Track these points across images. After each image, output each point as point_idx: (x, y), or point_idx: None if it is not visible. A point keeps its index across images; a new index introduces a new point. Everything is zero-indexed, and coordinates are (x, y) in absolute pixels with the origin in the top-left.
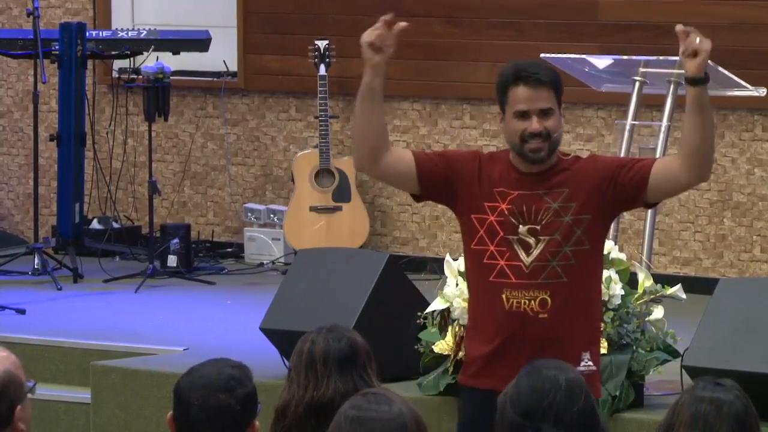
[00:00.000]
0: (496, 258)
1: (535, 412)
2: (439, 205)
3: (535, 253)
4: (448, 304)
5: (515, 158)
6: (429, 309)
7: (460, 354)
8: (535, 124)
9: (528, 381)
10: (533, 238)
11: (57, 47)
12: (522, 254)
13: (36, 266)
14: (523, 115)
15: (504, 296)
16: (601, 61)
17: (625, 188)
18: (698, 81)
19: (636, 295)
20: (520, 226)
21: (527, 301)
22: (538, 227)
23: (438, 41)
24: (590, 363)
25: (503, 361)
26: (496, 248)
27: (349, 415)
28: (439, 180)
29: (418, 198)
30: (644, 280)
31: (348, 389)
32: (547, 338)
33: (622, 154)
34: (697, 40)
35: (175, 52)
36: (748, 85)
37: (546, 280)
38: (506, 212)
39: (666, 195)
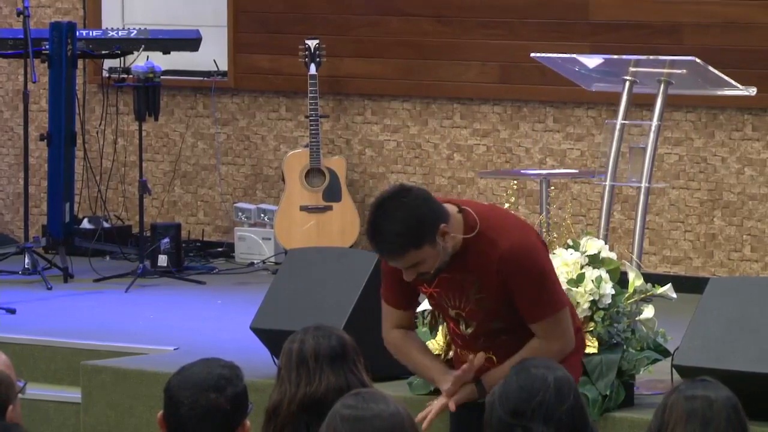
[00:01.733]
0: (447, 320)
1: (524, 411)
2: None
3: (470, 328)
4: None
5: None
6: (420, 308)
7: (450, 353)
8: (406, 275)
9: (517, 380)
10: (465, 320)
11: (47, 47)
12: (462, 326)
13: (26, 266)
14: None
15: (459, 351)
16: (592, 61)
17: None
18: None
19: (626, 295)
20: (449, 309)
21: (481, 359)
22: (464, 313)
23: (428, 40)
24: None
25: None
26: (447, 317)
27: (345, 414)
28: (409, 288)
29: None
30: (634, 280)
31: (341, 384)
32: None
33: (612, 154)
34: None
35: (166, 52)
36: (738, 85)
37: (485, 344)
38: (435, 296)
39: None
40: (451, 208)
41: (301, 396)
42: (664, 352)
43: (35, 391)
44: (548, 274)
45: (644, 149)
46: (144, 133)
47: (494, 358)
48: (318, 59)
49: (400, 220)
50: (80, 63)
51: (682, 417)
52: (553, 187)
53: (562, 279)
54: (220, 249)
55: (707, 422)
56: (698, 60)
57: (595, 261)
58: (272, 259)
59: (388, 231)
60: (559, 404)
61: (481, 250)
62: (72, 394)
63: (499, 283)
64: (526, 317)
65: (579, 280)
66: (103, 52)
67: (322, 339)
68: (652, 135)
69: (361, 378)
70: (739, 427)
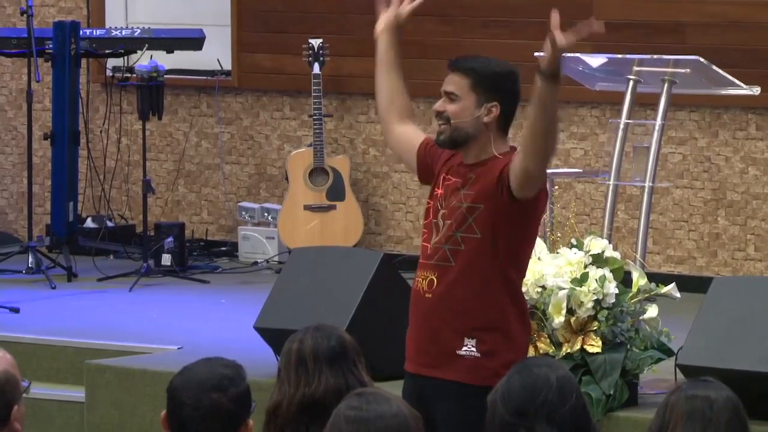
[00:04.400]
0: (423, 238)
1: (527, 411)
2: None
3: (437, 236)
4: None
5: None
6: None
7: None
8: (437, 104)
9: (519, 379)
10: (442, 221)
11: (51, 46)
12: (433, 236)
13: (30, 265)
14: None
15: (416, 275)
16: (595, 60)
17: (506, 182)
18: (546, 75)
19: (630, 294)
20: (440, 210)
21: (421, 280)
22: (446, 211)
23: (432, 40)
24: (473, 349)
25: (411, 341)
26: (425, 229)
27: (350, 415)
28: (427, 169)
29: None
30: (638, 279)
31: (340, 385)
32: (429, 319)
33: (615, 153)
34: (560, 35)
35: (169, 51)
36: (742, 84)
37: (437, 261)
38: (438, 196)
39: (522, 184)
40: (507, 143)
41: (300, 397)
42: (668, 352)
43: (39, 390)
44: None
45: (648, 149)
46: (148, 133)
47: (435, 280)
48: (321, 58)
49: (490, 60)
50: (84, 62)
51: (682, 416)
52: (557, 187)
53: (566, 278)
54: (223, 248)
55: (707, 422)
56: (702, 59)
57: (598, 260)
58: (276, 259)
59: (482, 60)
60: (562, 403)
61: (497, 165)
62: (76, 393)
63: (495, 183)
64: (513, 162)
65: (583, 279)
66: (107, 51)
67: (321, 339)
68: (655, 134)
69: (361, 378)
70: (739, 427)
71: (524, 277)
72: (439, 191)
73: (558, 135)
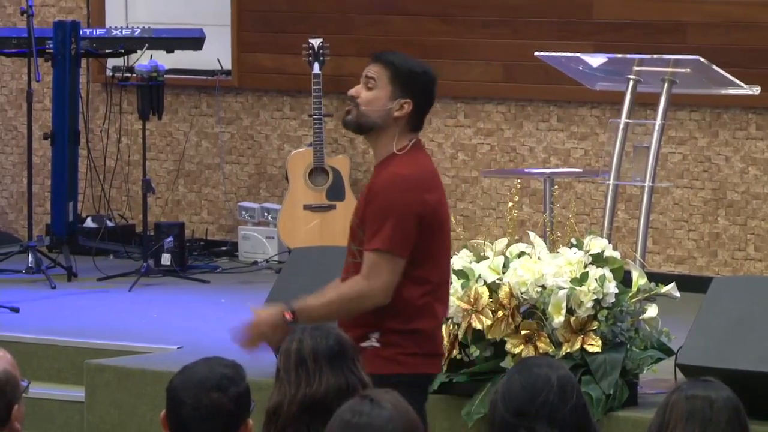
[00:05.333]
0: None
1: (528, 411)
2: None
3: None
4: None
5: None
6: None
7: (455, 352)
8: (353, 88)
9: (519, 379)
10: (350, 233)
11: (51, 46)
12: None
13: (30, 265)
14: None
15: None
16: (595, 60)
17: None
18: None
19: (630, 294)
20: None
21: None
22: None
23: (432, 39)
24: (375, 342)
25: None
26: None
27: (352, 421)
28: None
29: None
30: (638, 279)
31: (340, 384)
32: (346, 324)
33: (616, 153)
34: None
35: (169, 51)
36: (742, 84)
37: (344, 273)
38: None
39: None
40: (416, 138)
41: (301, 397)
42: (668, 352)
43: (39, 390)
44: (399, 213)
45: (648, 148)
46: (148, 132)
47: None
48: (322, 58)
49: (411, 59)
50: (84, 62)
51: (682, 416)
52: (557, 186)
53: (566, 278)
54: (223, 248)
55: (707, 422)
56: (702, 59)
57: (598, 260)
58: (276, 258)
59: (402, 56)
60: (563, 404)
61: (383, 169)
62: (76, 393)
63: (363, 206)
64: (365, 241)
65: (582, 279)
66: (107, 51)
67: (320, 339)
68: (656, 134)
69: (360, 377)
70: (739, 427)
71: (432, 279)
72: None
73: (348, 313)
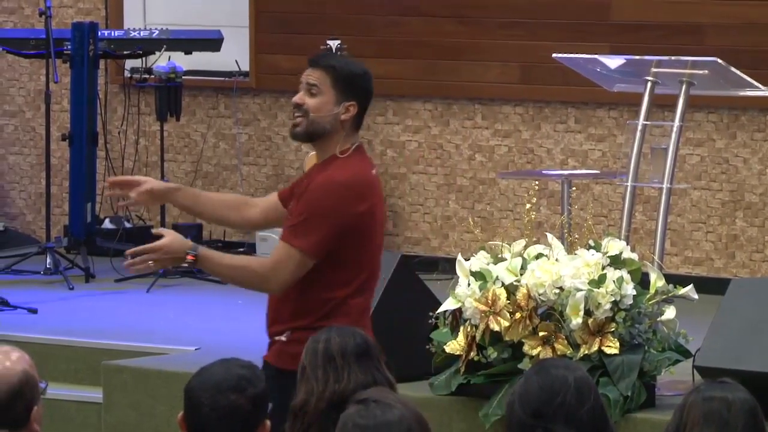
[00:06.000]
0: None
1: (545, 412)
2: (452, 205)
3: None
4: (459, 304)
5: None
6: (441, 309)
7: (472, 354)
8: (296, 96)
9: (537, 380)
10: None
11: (69, 47)
12: None
13: (48, 266)
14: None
15: None
16: (613, 61)
17: None
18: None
19: (648, 296)
20: None
21: None
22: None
23: (449, 41)
24: (284, 337)
25: None
26: None
27: (358, 423)
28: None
29: None
30: (656, 281)
31: (368, 381)
32: (268, 317)
33: (633, 155)
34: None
35: (187, 52)
36: (759, 85)
37: None
38: None
39: None
40: (359, 142)
41: (330, 393)
42: (686, 353)
43: (56, 390)
44: (323, 219)
45: (666, 150)
46: (165, 134)
47: None
48: None
49: (349, 60)
50: (102, 63)
51: (699, 418)
52: (574, 188)
53: (584, 280)
54: (241, 249)
55: (724, 424)
56: (720, 61)
57: (616, 262)
58: None
59: (340, 58)
60: (580, 405)
61: (322, 170)
62: (93, 393)
63: (296, 200)
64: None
65: (600, 280)
66: (125, 52)
67: (347, 337)
68: (673, 136)
69: (386, 375)
70: (755, 429)
71: (351, 278)
72: None
73: (241, 284)
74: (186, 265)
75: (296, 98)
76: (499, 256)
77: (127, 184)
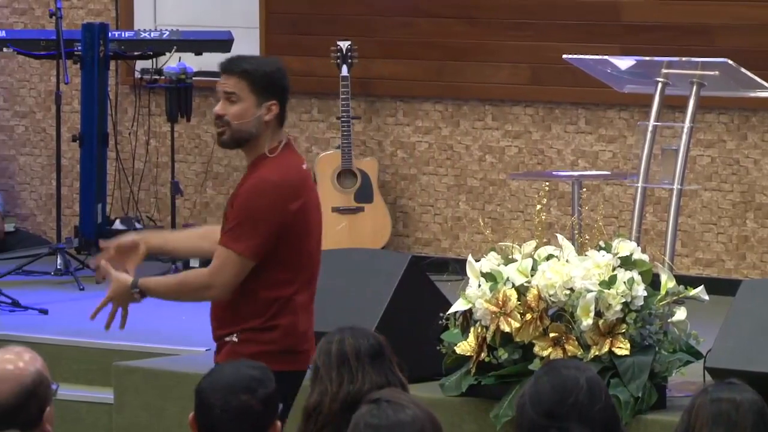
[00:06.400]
0: None
1: (559, 412)
2: (462, 206)
3: None
4: (470, 305)
5: None
6: (451, 310)
7: (483, 355)
8: (217, 107)
9: (548, 381)
10: None
11: (79, 48)
12: None
13: (58, 266)
14: (218, 99)
15: None
16: (624, 62)
17: None
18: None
19: (658, 297)
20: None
21: None
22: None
23: (459, 42)
24: (234, 338)
25: None
26: None
27: (370, 423)
28: None
29: None
30: (667, 282)
31: (382, 382)
32: (212, 321)
33: (644, 156)
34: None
35: (198, 53)
36: None
37: None
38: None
39: None
40: (286, 138)
41: (345, 395)
42: (697, 354)
43: (67, 391)
44: (259, 221)
45: (676, 151)
46: (176, 134)
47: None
48: (350, 60)
49: (260, 59)
50: (112, 64)
51: (707, 419)
52: (585, 189)
53: (594, 281)
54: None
55: (733, 425)
56: (730, 61)
57: (627, 263)
58: None
59: (252, 60)
60: (593, 404)
61: (253, 171)
62: (104, 394)
63: (230, 202)
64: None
65: (611, 282)
66: (135, 53)
67: (361, 338)
68: (684, 137)
69: (399, 377)
70: (764, 430)
71: (290, 277)
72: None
73: (188, 299)
74: (137, 299)
75: (217, 109)
76: (510, 257)
77: (121, 252)
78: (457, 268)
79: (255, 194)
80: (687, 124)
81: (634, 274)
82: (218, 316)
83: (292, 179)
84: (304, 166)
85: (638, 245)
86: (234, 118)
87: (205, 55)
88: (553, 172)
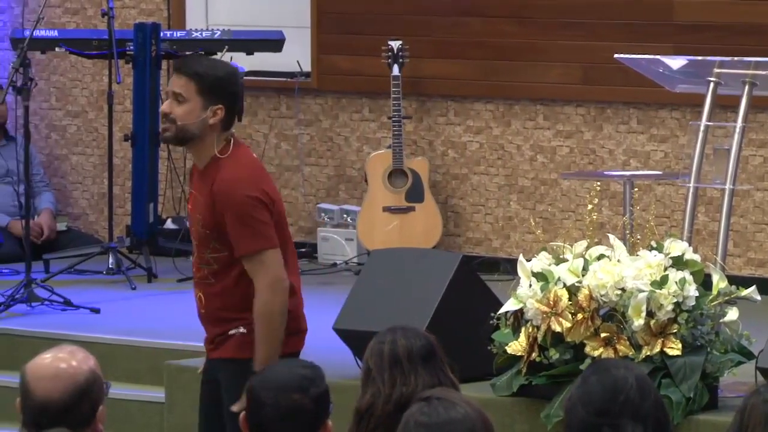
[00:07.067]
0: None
1: (610, 410)
2: (513, 206)
3: (194, 256)
4: (521, 305)
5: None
6: (502, 310)
7: (534, 355)
8: (164, 105)
9: (598, 381)
10: (195, 242)
11: (131, 47)
12: (193, 252)
13: (110, 266)
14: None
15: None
16: (676, 62)
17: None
18: None
19: (710, 297)
20: (191, 228)
21: (196, 297)
22: (194, 230)
23: (510, 41)
24: (242, 329)
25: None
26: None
27: (420, 421)
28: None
29: None
30: (718, 282)
31: (434, 383)
32: (208, 325)
33: (696, 155)
34: None
35: (249, 53)
36: None
37: (200, 280)
38: (189, 213)
39: None
40: (232, 135)
41: (398, 396)
42: (749, 355)
43: (119, 390)
44: (253, 211)
45: (728, 151)
46: None
47: (203, 298)
48: (401, 60)
49: (214, 63)
50: (164, 63)
51: (761, 420)
52: (636, 189)
53: (646, 281)
54: (302, 249)
55: None
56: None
57: (679, 263)
58: (355, 260)
59: (206, 63)
60: (643, 400)
61: (213, 176)
62: (156, 393)
63: (211, 214)
64: (235, 249)
65: (663, 282)
66: (187, 52)
67: (413, 339)
68: (736, 137)
69: (450, 377)
70: None
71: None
72: (189, 206)
73: (282, 323)
74: None
75: (163, 107)
76: (561, 257)
77: None
78: (508, 267)
79: (235, 195)
80: (739, 123)
81: (686, 274)
82: (216, 316)
83: (253, 169)
84: (255, 155)
85: (690, 245)
86: (179, 118)
87: (257, 54)
88: (605, 172)
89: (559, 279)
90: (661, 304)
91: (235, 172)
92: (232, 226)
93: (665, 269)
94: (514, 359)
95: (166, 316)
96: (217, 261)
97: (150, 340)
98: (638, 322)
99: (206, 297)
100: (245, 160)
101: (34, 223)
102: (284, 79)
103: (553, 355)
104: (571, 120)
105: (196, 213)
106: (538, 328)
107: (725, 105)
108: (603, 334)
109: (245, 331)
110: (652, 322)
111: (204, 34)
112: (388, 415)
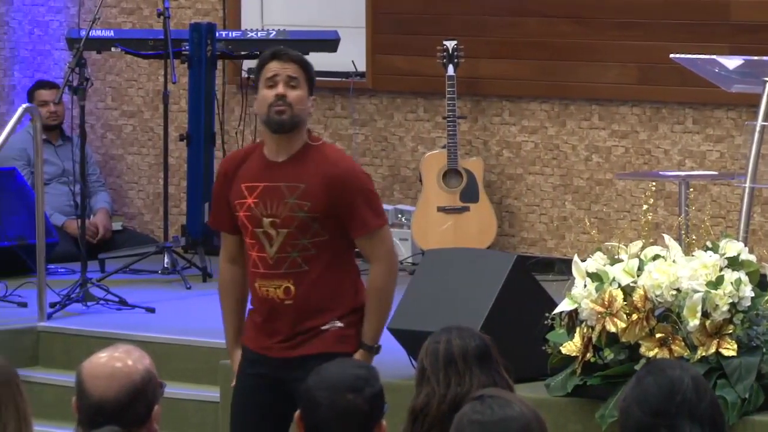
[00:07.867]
0: (250, 249)
1: (667, 410)
2: (568, 206)
3: (276, 245)
4: (576, 305)
5: (267, 146)
6: (557, 310)
7: (588, 355)
8: (280, 87)
9: (653, 381)
10: (275, 231)
11: (187, 47)
12: (267, 246)
13: (166, 265)
14: (273, 83)
15: (257, 284)
16: (732, 62)
17: (342, 222)
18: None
19: (766, 298)
20: (264, 218)
21: (273, 290)
22: (278, 220)
23: (566, 41)
24: (338, 323)
25: (265, 331)
26: (249, 241)
27: (474, 419)
28: (230, 213)
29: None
30: None
31: (489, 384)
32: (296, 318)
33: (752, 156)
34: None
35: (304, 53)
36: None
37: (288, 270)
38: (252, 206)
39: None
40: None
41: (453, 396)
42: None
43: (174, 390)
44: (372, 189)
45: None
46: None
47: (293, 288)
48: (456, 60)
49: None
50: (220, 64)
51: None
52: (692, 189)
53: (701, 281)
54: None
55: None
56: None
57: (734, 263)
58: (410, 260)
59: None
60: (700, 400)
61: (318, 162)
62: (211, 393)
63: (327, 197)
64: (356, 228)
65: (718, 282)
66: (243, 53)
67: (468, 339)
68: None
69: (505, 377)
70: None
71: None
72: (251, 200)
73: (391, 297)
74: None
75: (279, 89)
76: (616, 257)
77: None
78: (563, 268)
79: (355, 172)
80: None
81: (742, 275)
82: (308, 306)
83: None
84: None
85: (746, 245)
86: (295, 102)
87: (312, 54)
88: (660, 172)
89: (614, 279)
90: (717, 305)
91: (344, 155)
92: (359, 206)
93: (721, 270)
94: (569, 359)
95: (221, 316)
96: (315, 245)
97: (205, 339)
98: (693, 322)
99: (297, 286)
100: (340, 149)
101: (90, 222)
102: (339, 79)
103: (608, 355)
104: (626, 120)
105: (282, 199)
106: (592, 328)
107: None
108: (658, 335)
109: (342, 324)
110: (708, 322)
111: (259, 34)
112: (442, 415)
